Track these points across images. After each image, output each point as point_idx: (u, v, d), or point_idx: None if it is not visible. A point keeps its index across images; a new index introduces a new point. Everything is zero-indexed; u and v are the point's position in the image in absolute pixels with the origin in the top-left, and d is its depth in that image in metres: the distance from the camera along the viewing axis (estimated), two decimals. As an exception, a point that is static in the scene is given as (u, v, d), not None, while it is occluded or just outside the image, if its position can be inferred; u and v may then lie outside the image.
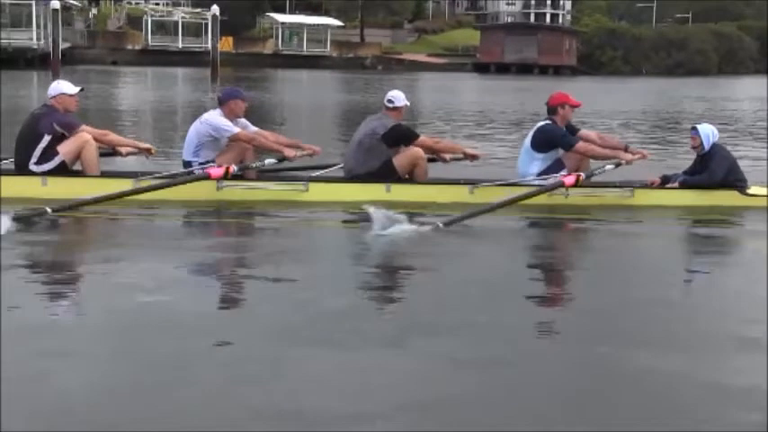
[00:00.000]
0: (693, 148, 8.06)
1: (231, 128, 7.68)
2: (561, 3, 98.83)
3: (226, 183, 7.46)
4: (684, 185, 7.93)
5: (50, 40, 47.13)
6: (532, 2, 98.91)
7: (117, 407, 3.32)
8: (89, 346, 3.96)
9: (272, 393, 3.47)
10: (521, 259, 6.14)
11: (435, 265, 5.74)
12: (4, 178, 7.32)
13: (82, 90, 7.88)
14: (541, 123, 8.01)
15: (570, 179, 7.44)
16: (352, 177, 7.85)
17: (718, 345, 4.23)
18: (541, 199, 7.46)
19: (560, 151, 7.94)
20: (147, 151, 8.00)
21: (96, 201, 6.83)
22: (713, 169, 7.81)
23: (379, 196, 7.42)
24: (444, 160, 8.31)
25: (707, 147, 7.88)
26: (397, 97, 8.01)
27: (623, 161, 7.84)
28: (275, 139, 8.09)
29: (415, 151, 7.93)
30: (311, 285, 5.10)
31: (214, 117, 7.73)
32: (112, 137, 8.04)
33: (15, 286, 4.93)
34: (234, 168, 7.43)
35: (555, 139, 7.88)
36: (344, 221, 7.21)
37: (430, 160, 8.23)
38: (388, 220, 6.27)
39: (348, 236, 6.88)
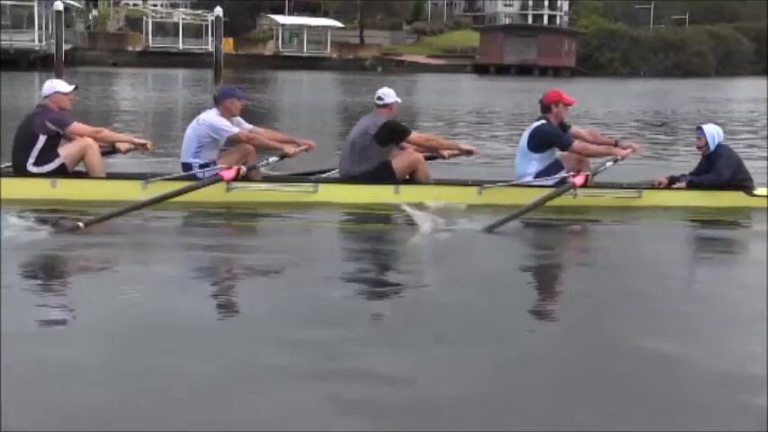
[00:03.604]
0: (699, 148, 8.09)
1: (230, 128, 7.61)
2: (559, 4, 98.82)
3: (235, 184, 7.40)
4: (692, 185, 7.95)
5: (52, 41, 47.22)
6: (530, 3, 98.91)
7: (120, 406, 3.37)
8: (100, 347, 3.99)
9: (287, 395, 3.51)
10: (534, 260, 6.22)
11: (452, 265, 5.81)
12: (13, 180, 7.34)
13: (76, 88, 7.81)
14: (537, 123, 7.94)
15: (580, 179, 7.39)
16: (348, 179, 7.78)
17: (725, 343, 4.30)
18: (550, 200, 7.42)
19: (556, 151, 7.93)
20: (143, 146, 7.86)
21: (124, 211, 6.63)
22: (720, 169, 7.84)
23: (388, 198, 7.48)
24: (443, 157, 8.25)
25: (712, 147, 7.92)
26: (387, 94, 7.89)
27: (619, 157, 7.83)
28: (271, 136, 8.06)
29: (415, 156, 7.90)
30: (336, 287, 5.17)
31: (212, 117, 7.64)
32: (106, 133, 7.92)
33: (30, 285, 5.08)
34: (243, 169, 7.39)
35: (551, 138, 7.84)
36: (383, 223, 7.23)
37: (430, 158, 8.19)
38: (430, 223, 6.36)
39: (380, 238, 6.88)
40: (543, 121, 7.91)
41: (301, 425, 3.26)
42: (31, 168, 7.46)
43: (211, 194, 7.26)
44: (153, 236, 6.59)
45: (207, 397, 3.46)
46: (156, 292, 4.96)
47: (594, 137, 8.29)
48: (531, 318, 4.79)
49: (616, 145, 8.15)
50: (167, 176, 7.56)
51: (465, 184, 8.03)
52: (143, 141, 7.90)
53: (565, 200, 7.48)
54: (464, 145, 8.53)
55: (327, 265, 5.79)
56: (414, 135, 7.93)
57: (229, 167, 7.31)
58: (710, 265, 6.35)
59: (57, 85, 7.66)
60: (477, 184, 7.87)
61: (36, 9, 48.55)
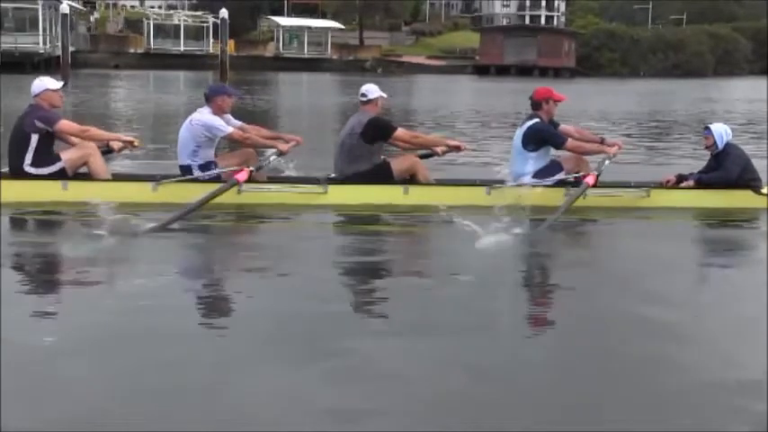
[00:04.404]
0: (707, 147, 8.11)
1: (225, 127, 7.55)
2: (556, 4, 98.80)
3: (245, 186, 7.34)
4: (700, 184, 7.98)
5: (56, 43, 47.21)
6: (527, 3, 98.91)
7: (122, 406, 3.40)
8: (111, 348, 4.02)
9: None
10: (543, 260, 6.18)
11: (467, 266, 5.77)
12: (23, 182, 7.32)
13: (65, 85, 7.68)
14: (530, 122, 7.88)
15: (591, 179, 7.38)
16: (344, 179, 7.71)
17: (728, 343, 4.32)
18: (559, 200, 7.43)
19: (551, 149, 7.93)
20: (131, 144, 7.76)
21: (178, 218, 6.58)
22: (728, 167, 7.86)
23: (398, 198, 7.55)
24: (437, 154, 8.16)
25: (720, 146, 7.95)
26: (370, 90, 7.79)
27: (612, 155, 7.82)
28: (260, 133, 8.01)
29: (414, 159, 7.90)
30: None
31: (205, 116, 7.57)
32: (94, 131, 7.80)
33: (47, 284, 5.21)
34: (254, 171, 7.40)
35: (546, 136, 7.82)
36: (396, 224, 7.19)
37: (424, 156, 8.16)
38: (491, 228, 6.20)
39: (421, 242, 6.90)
40: (537, 120, 7.89)
41: (302, 424, 3.28)
42: (28, 169, 7.38)
43: (223, 196, 7.16)
44: (173, 238, 6.37)
45: (213, 396, 3.48)
46: (177, 293, 5.01)
47: (582, 134, 8.28)
48: (533, 317, 4.85)
49: (602, 142, 8.15)
50: (179, 178, 7.57)
51: (473, 184, 8.00)
52: (130, 139, 7.82)
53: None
54: (452, 141, 8.39)
55: (344, 265, 5.86)
56: (400, 131, 7.84)
57: (240, 169, 7.30)
58: (718, 264, 6.33)
59: (46, 83, 7.54)
60: (486, 184, 7.85)
61: (41, 11, 48.25)
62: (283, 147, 7.74)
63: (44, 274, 5.56)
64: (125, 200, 7.14)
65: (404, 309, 4.82)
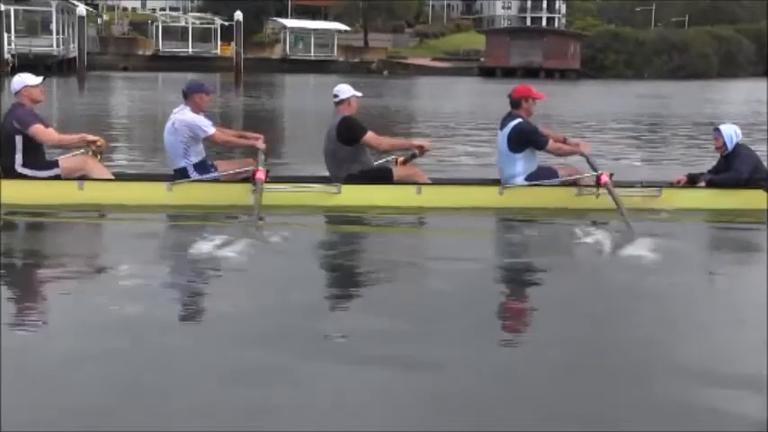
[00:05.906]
0: (717, 149, 8.18)
1: (207, 128, 7.50)
2: (557, 6, 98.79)
3: (260, 186, 7.17)
4: (711, 184, 8.02)
5: (69, 46, 47.77)
6: (528, 5, 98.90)
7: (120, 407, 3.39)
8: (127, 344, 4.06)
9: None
10: (551, 260, 6.12)
11: (476, 265, 5.82)
12: (40, 182, 7.33)
13: (44, 79, 7.62)
14: (513, 123, 7.75)
15: (606, 177, 7.38)
16: (357, 180, 7.66)
17: (731, 342, 4.37)
18: (571, 200, 7.56)
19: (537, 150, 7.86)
20: (94, 144, 7.59)
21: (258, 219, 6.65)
22: (738, 168, 7.92)
23: (411, 199, 7.57)
24: (416, 155, 8.02)
25: (730, 147, 8.02)
26: (342, 90, 7.68)
27: (586, 154, 7.83)
28: (234, 134, 8.04)
29: (414, 170, 7.91)
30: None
31: (186, 116, 7.50)
32: (65, 140, 7.69)
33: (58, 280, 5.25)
34: (268, 171, 7.41)
35: (529, 136, 7.72)
36: (412, 225, 7.27)
37: (408, 159, 8.08)
38: (506, 229, 6.24)
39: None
40: (519, 120, 7.76)
41: (302, 424, 3.29)
42: (20, 170, 7.34)
43: (238, 197, 7.27)
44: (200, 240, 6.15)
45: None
46: (187, 293, 5.09)
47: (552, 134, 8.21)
48: (538, 316, 4.91)
49: (565, 142, 8.10)
50: (192, 179, 7.55)
51: (485, 183, 8.07)
52: (94, 138, 7.64)
53: (587, 200, 7.55)
54: (417, 141, 8.29)
55: (353, 265, 5.92)
56: (370, 135, 7.64)
57: (257, 170, 7.25)
58: (728, 265, 6.32)
59: (25, 79, 7.45)
60: (497, 183, 7.88)
61: (54, 14, 48.39)
62: (261, 145, 7.72)
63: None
64: (142, 201, 7.30)
65: (411, 307, 4.84)
